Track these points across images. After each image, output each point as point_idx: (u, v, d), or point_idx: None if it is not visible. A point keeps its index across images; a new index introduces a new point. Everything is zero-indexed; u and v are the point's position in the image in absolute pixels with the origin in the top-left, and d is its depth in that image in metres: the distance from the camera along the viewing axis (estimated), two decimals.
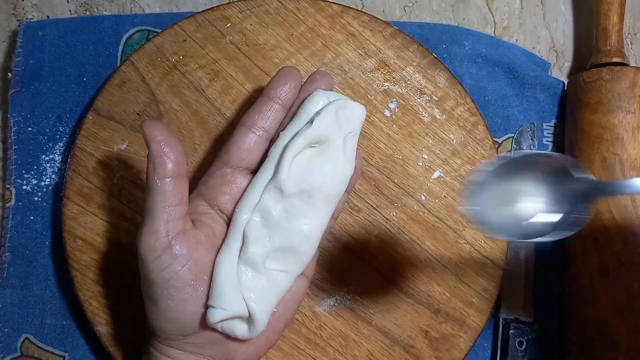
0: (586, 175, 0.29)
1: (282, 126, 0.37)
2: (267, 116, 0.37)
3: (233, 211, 0.36)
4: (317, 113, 0.36)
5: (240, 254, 0.35)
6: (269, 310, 0.35)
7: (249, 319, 0.35)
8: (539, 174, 0.31)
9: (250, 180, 0.36)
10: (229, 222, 0.36)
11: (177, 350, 0.35)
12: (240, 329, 0.35)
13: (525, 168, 0.31)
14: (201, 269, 0.34)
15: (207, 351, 0.35)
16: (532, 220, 0.31)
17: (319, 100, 0.36)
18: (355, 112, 0.37)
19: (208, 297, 0.34)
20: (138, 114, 0.43)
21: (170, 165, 0.32)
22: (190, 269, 0.33)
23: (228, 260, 0.34)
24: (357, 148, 0.37)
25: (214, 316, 0.33)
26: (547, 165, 0.31)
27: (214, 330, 0.34)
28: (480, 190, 0.31)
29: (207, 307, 0.34)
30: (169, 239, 0.33)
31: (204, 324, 0.34)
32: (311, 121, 0.35)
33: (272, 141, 0.37)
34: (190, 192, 0.36)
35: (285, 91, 0.37)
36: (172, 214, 0.33)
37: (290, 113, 0.38)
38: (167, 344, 0.35)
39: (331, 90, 0.38)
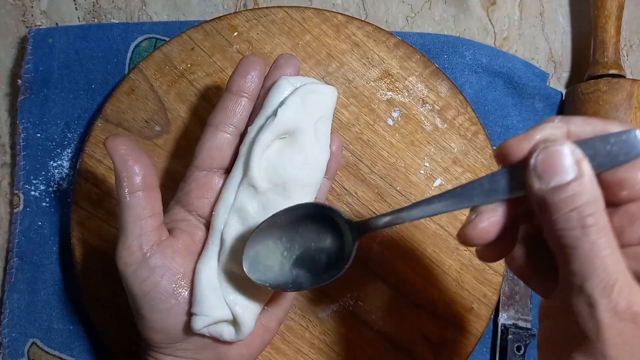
0: (348, 218, 0.33)
1: (252, 120, 0.36)
2: (233, 112, 0.35)
3: (210, 213, 0.35)
4: (282, 103, 0.34)
5: (219, 257, 0.35)
6: (254, 311, 0.35)
7: (235, 322, 0.35)
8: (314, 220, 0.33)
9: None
10: (208, 225, 0.36)
11: (171, 357, 0.35)
12: (227, 332, 0.35)
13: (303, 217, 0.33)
14: (181, 278, 0.34)
15: (200, 355, 0.35)
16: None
17: (284, 88, 0.35)
18: (325, 95, 0.36)
19: (191, 304, 0.34)
20: (146, 121, 0.44)
21: (137, 179, 0.32)
22: (169, 279, 0.33)
23: (208, 265, 0.34)
24: (331, 132, 0.37)
25: (198, 323, 0.33)
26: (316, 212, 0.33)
27: (203, 335, 0.34)
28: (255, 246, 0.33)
29: (191, 314, 0.34)
30: (144, 252, 0.33)
31: (190, 331, 0.34)
32: (275, 112, 0.34)
33: (243, 137, 0.36)
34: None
35: (248, 83, 0.35)
36: (145, 227, 0.33)
37: (258, 105, 0.36)
38: (161, 352, 0.35)
39: (298, 75, 0.36)
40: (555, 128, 0.28)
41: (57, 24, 0.47)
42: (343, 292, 0.44)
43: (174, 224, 0.35)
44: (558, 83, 0.51)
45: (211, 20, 0.45)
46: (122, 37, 0.46)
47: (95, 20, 0.47)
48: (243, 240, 0.34)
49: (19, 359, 0.44)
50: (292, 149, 0.35)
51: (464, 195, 0.29)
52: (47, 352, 0.44)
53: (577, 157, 0.27)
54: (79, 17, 0.48)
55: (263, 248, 0.33)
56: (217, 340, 0.35)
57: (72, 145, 0.45)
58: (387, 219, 0.31)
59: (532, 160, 0.27)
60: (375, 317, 0.44)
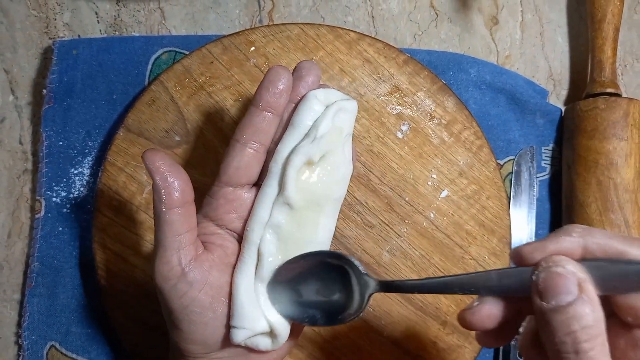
0: (370, 277, 0.34)
1: (277, 135, 0.36)
2: (260, 129, 0.35)
3: (243, 228, 0.36)
4: (314, 126, 0.35)
5: (257, 271, 0.35)
6: (289, 323, 0.36)
7: (272, 333, 0.35)
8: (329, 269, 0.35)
9: (255, 194, 0.36)
10: (239, 238, 0.36)
11: None
12: (264, 343, 0.35)
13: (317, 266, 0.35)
14: (218, 291, 0.34)
15: None
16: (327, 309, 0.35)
17: (313, 105, 0.35)
18: (350, 112, 0.36)
19: (229, 316, 0.34)
20: (166, 131, 0.45)
21: (176, 194, 0.32)
22: (207, 292, 0.33)
23: (245, 279, 0.35)
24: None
25: (238, 336, 0.34)
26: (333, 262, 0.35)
27: (239, 345, 0.35)
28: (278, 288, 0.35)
29: (228, 326, 0.34)
30: (182, 267, 0.33)
31: (227, 342, 0.35)
32: (309, 135, 0.35)
33: (270, 151, 0.36)
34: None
35: (275, 97, 0.34)
36: (183, 242, 0.33)
37: (284, 119, 0.36)
38: None
39: (320, 84, 0.37)
40: (571, 242, 0.28)
41: (79, 36, 0.49)
42: None
43: (205, 238, 0.36)
44: (557, 100, 0.53)
45: (229, 35, 0.46)
46: (143, 49, 0.47)
47: (117, 32, 0.49)
48: (279, 255, 0.35)
49: None
50: (325, 169, 0.35)
51: (471, 283, 0.31)
52: (66, 355, 0.45)
53: (579, 279, 0.27)
54: (100, 30, 0.49)
55: (282, 285, 0.35)
56: (252, 349, 0.36)
57: (93, 153, 0.47)
58: (398, 284, 0.34)
59: (534, 277, 0.28)
60: (384, 323, 0.46)
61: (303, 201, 0.35)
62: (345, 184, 0.37)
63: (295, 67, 0.36)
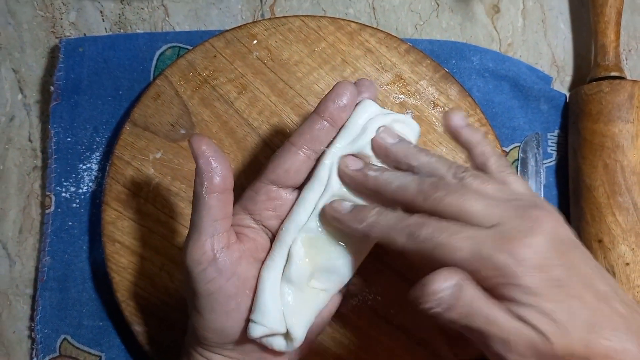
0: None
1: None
2: (316, 136, 0.35)
3: (278, 228, 0.36)
4: (372, 122, 0.35)
5: (284, 272, 0.35)
6: (306, 328, 0.36)
7: (287, 335, 0.35)
8: None
9: (296, 197, 0.36)
10: (272, 236, 0.37)
11: (219, 356, 0.36)
12: (278, 343, 0.35)
13: None
14: (244, 282, 0.34)
15: (246, 357, 0.36)
16: None
17: (368, 109, 0.36)
18: (411, 129, 0.37)
19: (250, 310, 0.35)
20: (172, 124, 0.46)
21: (217, 180, 0.33)
22: (234, 282, 0.34)
23: (272, 277, 0.35)
24: None
25: (256, 331, 0.34)
26: None
27: (253, 340, 0.35)
28: None
29: (248, 320, 0.34)
30: (214, 253, 0.33)
31: (244, 335, 0.35)
32: (364, 130, 0.35)
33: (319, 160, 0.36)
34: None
35: (338, 110, 0.35)
36: (218, 228, 0.33)
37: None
38: (210, 350, 0.36)
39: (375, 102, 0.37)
40: None
41: (85, 34, 0.50)
42: (362, 287, 0.46)
43: (239, 229, 0.36)
44: (561, 86, 0.53)
45: (232, 29, 0.47)
46: (147, 46, 0.48)
47: (121, 30, 0.50)
48: (306, 259, 0.35)
49: (51, 354, 0.45)
50: None
51: None
52: (78, 348, 0.45)
53: None
54: (105, 28, 0.50)
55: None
56: (266, 348, 0.36)
57: (101, 148, 0.47)
58: None
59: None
60: (393, 312, 0.46)
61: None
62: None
63: (355, 82, 0.37)
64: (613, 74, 0.49)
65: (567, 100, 0.52)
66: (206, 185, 0.33)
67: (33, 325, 0.46)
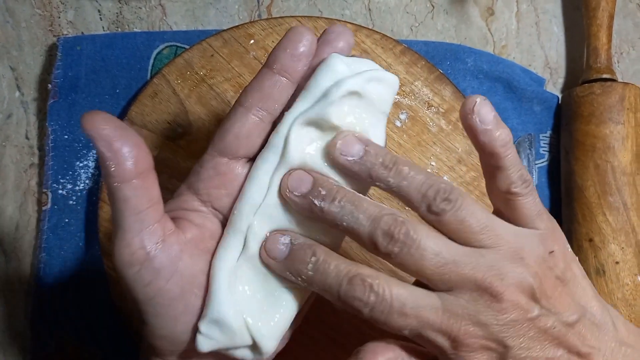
0: None
1: (289, 104, 0.30)
2: (269, 94, 0.29)
3: (230, 211, 0.30)
4: (337, 86, 0.28)
5: (241, 264, 0.29)
6: (279, 334, 0.30)
7: (254, 346, 0.29)
8: None
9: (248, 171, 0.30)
10: (224, 220, 0.31)
11: None
12: (241, 353, 0.30)
13: None
14: (190, 280, 0.29)
15: None
16: None
17: (336, 68, 0.28)
18: (388, 86, 0.30)
19: (201, 311, 0.29)
20: (169, 123, 0.46)
21: (128, 164, 0.26)
22: (176, 282, 0.28)
23: (226, 271, 0.29)
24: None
25: (203, 344, 0.29)
26: None
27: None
28: None
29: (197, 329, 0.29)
30: (146, 251, 0.27)
31: None
32: (327, 94, 0.28)
33: (275, 123, 0.30)
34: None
35: (293, 60, 0.29)
36: (146, 221, 0.27)
37: (300, 87, 0.30)
38: (164, 358, 0.31)
39: (351, 55, 0.30)
40: None
41: (82, 33, 0.50)
42: None
43: (182, 214, 0.30)
44: (554, 88, 0.54)
45: (229, 29, 0.47)
46: (145, 45, 0.48)
47: (119, 29, 0.50)
48: None
49: (47, 350, 0.45)
50: None
51: None
52: (74, 345, 0.46)
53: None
54: (103, 27, 0.50)
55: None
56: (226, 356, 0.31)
57: None
58: None
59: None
60: None
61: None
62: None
63: (324, 31, 0.30)
64: (605, 76, 0.49)
65: (560, 102, 0.52)
66: (116, 174, 0.26)
67: (28, 321, 0.46)
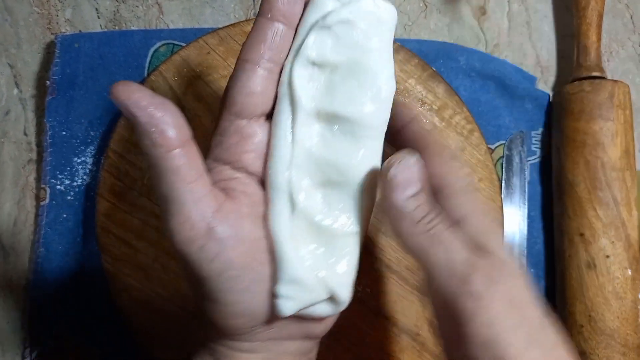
0: None
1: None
2: (273, 45, 0.27)
3: (264, 171, 0.29)
4: (327, 15, 0.27)
5: (296, 223, 0.28)
6: (351, 282, 0.29)
7: (330, 299, 0.29)
8: None
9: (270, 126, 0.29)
10: (261, 181, 0.29)
11: (248, 343, 0.29)
12: (320, 310, 0.29)
13: None
14: (253, 246, 0.27)
15: (283, 332, 0.30)
16: None
17: (325, 2, 0.27)
18: (386, 15, 0.28)
19: (272, 277, 0.28)
20: None
21: (172, 132, 0.25)
22: (243, 251, 0.27)
23: (285, 230, 0.28)
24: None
25: (285, 308, 0.28)
26: None
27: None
28: None
29: (273, 294, 0.28)
30: (207, 222, 0.26)
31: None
32: (317, 25, 0.27)
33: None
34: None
35: (289, 5, 0.27)
36: (197, 192, 0.26)
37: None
38: (239, 339, 0.29)
39: None
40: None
41: (80, 31, 0.50)
42: None
43: (222, 185, 0.28)
44: (545, 86, 0.55)
45: (225, 27, 0.48)
46: (142, 42, 0.49)
47: (116, 27, 0.51)
48: (320, 197, 0.29)
49: (45, 345, 0.45)
50: (345, 78, 0.28)
51: None
52: (71, 341, 0.46)
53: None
54: (101, 25, 0.51)
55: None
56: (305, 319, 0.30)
57: (95, 142, 0.48)
58: None
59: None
60: (382, 303, 0.47)
61: (322, 112, 0.28)
62: (385, 106, 0.29)
63: None
64: (594, 74, 0.50)
65: (551, 100, 0.53)
66: (162, 142, 0.25)
67: (26, 316, 0.47)
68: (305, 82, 0.28)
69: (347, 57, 0.28)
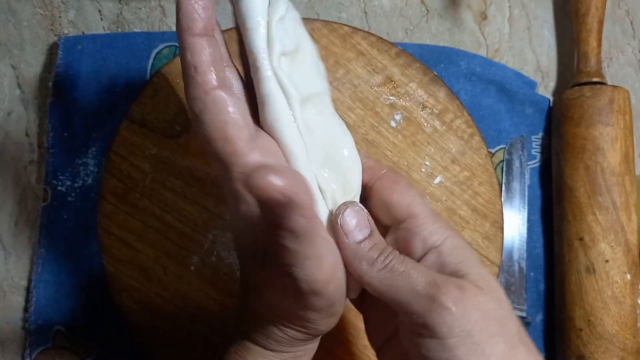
0: None
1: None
2: (216, 58, 0.28)
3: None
4: (274, 11, 0.30)
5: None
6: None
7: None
8: None
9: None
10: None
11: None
12: None
13: None
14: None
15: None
16: None
17: (255, 2, 0.30)
18: (291, 6, 0.32)
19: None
20: (168, 122, 0.47)
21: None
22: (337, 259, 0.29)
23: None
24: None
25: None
26: None
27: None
28: None
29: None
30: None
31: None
32: (271, 20, 0.30)
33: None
34: None
35: (203, 22, 0.27)
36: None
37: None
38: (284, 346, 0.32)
39: None
40: None
41: (83, 32, 0.51)
42: None
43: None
44: (545, 91, 0.55)
45: (226, 30, 0.48)
46: (144, 44, 0.49)
47: (119, 29, 0.51)
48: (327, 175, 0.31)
49: (45, 345, 0.46)
50: (302, 61, 0.32)
51: None
52: (72, 339, 0.46)
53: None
54: (103, 27, 0.51)
55: None
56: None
57: (97, 143, 0.48)
58: None
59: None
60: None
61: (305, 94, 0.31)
62: (323, 76, 0.33)
63: None
64: (594, 79, 0.50)
65: (551, 105, 0.53)
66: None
67: (27, 316, 0.47)
68: (285, 73, 0.30)
69: (295, 44, 0.31)
